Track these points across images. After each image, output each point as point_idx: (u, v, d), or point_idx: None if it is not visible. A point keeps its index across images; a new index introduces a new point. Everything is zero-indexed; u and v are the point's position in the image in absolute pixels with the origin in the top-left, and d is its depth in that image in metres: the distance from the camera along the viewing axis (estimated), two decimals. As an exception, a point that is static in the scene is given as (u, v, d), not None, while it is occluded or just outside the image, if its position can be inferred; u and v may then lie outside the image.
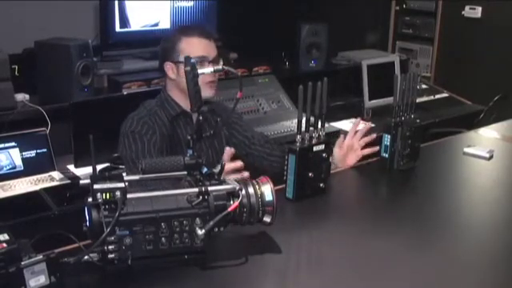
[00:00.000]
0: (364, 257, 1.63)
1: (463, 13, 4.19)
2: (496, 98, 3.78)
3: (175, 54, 2.14)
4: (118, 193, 1.37)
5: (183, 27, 2.32)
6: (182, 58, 2.09)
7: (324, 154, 1.98)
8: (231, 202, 1.50)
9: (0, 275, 1.25)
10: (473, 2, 4.15)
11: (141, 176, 1.53)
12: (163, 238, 1.43)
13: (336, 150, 2.23)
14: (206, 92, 2.12)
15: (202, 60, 2.10)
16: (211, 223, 1.45)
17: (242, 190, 1.53)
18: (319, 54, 3.99)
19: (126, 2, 3.47)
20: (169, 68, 2.16)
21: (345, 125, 3.41)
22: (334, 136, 3.08)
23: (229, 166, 1.84)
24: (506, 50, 3.98)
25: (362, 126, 2.29)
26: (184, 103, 2.16)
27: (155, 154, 2.05)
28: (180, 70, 2.12)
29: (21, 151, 2.66)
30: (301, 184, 1.94)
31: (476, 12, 4.13)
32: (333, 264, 1.61)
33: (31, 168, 2.67)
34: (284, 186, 1.96)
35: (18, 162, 2.65)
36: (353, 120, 3.49)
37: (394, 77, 2.19)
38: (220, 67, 1.90)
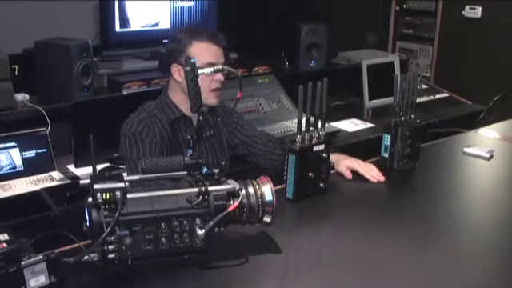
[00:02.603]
0: (364, 257, 1.63)
1: (463, 13, 4.19)
2: (496, 98, 3.78)
3: (184, 57, 2.10)
4: (118, 193, 1.37)
5: (194, 30, 2.24)
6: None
7: (324, 154, 1.98)
8: (231, 202, 1.50)
9: (0, 275, 1.25)
10: (473, 2, 4.14)
11: (141, 176, 1.53)
12: (163, 238, 1.43)
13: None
14: (211, 100, 2.12)
15: (212, 66, 1.99)
16: (211, 223, 1.45)
17: (242, 190, 1.53)
18: (319, 54, 3.98)
19: (126, 2, 3.47)
20: (175, 70, 2.12)
21: (345, 125, 3.41)
22: (334, 136, 3.11)
23: None
24: (505, 50, 3.97)
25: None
26: (185, 107, 2.13)
27: (156, 156, 2.04)
28: None
29: (21, 151, 2.66)
30: (301, 184, 1.94)
31: (476, 12, 4.13)
32: (333, 264, 1.61)
33: (31, 168, 2.67)
34: (284, 185, 1.96)
35: (18, 162, 2.65)
36: (353, 120, 3.50)
37: (394, 77, 2.19)
38: (220, 67, 1.90)
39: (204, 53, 2.08)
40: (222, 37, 2.20)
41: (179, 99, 2.15)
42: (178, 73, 2.12)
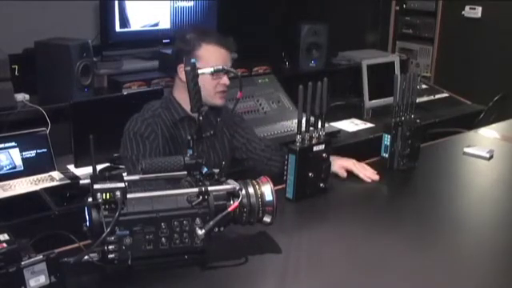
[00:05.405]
0: (364, 256, 1.63)
1: (463, 13, 4.19)
2: (496, 98, 3.77)
3: (193, 58, 2.09)
4: (118, 193, 1.37)
5: (203, 31, 2.22)
6: (199, 64, 2.06)
7: (324, 154, 1.98)
8: (231, 202, 1.50)
9: (0, 275, 1.25)
10: (473, 2, 4.15)
11: (141, 176, 1.53)
12: (163, 238, 1.43)
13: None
14: (217, 101, 2.14)
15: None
16: (211, 223, 1.45)
17: (242, 190, 1.53)
18: (319, 54, 3.98)
19: (126, 2, 3.47)
20: (182, 71, 2.10)
21: (345, 125, 3.41)
22: (334, 136, 3.11)
23: None
24: (506, 49, 3.97)
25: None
26: (190, 107, 2.14)
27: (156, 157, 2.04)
28: None
29: (21, 151, 2.66)
30: (301, 184, 1.94)
31: (476, 12, 4.14)
32: (333, 264, 1.61)
33: (31, 168, 2.66)
34: (284, 185, 1.96)
35: (18, 162, 2.65)
36: (353, 120, 3.50)
37: (394, 77, 2.19)
38: (220, 67, 1.90)
39: (212, 55, 2.08)
40: (233, 42, 2.19)
41: (184, 99, 2.14)
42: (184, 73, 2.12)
